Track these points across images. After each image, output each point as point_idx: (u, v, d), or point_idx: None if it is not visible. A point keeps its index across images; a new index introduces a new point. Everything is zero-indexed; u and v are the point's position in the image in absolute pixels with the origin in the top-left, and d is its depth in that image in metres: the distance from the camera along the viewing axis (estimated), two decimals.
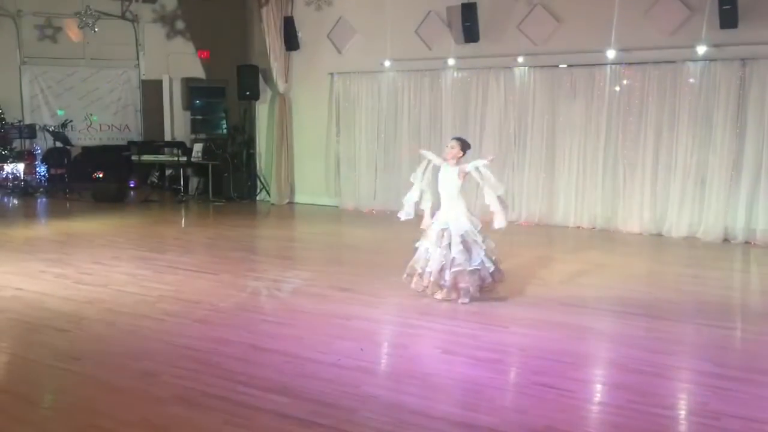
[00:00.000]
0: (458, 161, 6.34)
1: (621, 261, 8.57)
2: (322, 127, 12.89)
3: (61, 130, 14.70)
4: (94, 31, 14.34)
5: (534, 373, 4.70)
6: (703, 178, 9.66)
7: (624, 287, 7.16)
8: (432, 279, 6.29)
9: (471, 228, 6.26)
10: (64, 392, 4.45)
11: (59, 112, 15.58)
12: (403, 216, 6.53)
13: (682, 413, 4.26)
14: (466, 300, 6.24)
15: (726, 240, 9.45)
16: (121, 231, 10.26)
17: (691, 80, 9.66)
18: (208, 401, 4.16)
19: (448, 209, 6.33)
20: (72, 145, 14.85)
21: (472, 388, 4.44)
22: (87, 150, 15.37)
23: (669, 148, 9.85)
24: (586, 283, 7.25)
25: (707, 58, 9.51)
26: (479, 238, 6.26)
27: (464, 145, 6.40)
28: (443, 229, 6.28)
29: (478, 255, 6.21)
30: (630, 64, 10.01)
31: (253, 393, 4.26)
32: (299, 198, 13.34)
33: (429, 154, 6.52)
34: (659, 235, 9.90)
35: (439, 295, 6.36)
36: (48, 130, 14.64)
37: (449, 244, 6.21)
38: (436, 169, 6.46)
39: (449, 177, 6.32)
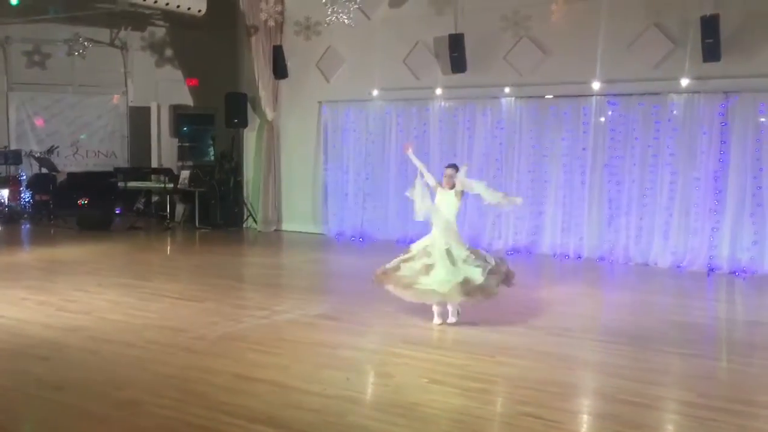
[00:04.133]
0: (453, 186, 6.54)
1: (607, 290, 8.59)
2: (310, 155, 12.93)
3: (47, 156, 14.64)
4: (83, 57, 14.46)
5: (520, 404, 4.68)
6: (688, 209, 9.75)
7: (610, 317, 7.18)
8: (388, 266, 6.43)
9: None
10: (44, 422, 4.38)
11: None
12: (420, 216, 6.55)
13: None
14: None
15: (711, 270, 9.51)
16: (105, 258, 10.19)
17: (675, 112, 9.79)
18: None
19: (441, 236, 6.39)
20: (58, 171, 14.77)
21: (458, 419, 4.42)
22: (72, 176, 15.26)
23: (653, 178, 9.94)
24: (573, 313, 7.26)
25: (690, 91, 9.65)
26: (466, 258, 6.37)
27: (457, 169, 6.66)
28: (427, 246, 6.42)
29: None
30: (615, 95, 10.14)
31: (239, 423, 4.21)
32: (286, 226, 13.32)
33: (422, 167, 6.69)
34: (645, 264, 9.95)
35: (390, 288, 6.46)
36: (34, 156, 14.56)
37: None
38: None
39: (448, 200, 6.51)
